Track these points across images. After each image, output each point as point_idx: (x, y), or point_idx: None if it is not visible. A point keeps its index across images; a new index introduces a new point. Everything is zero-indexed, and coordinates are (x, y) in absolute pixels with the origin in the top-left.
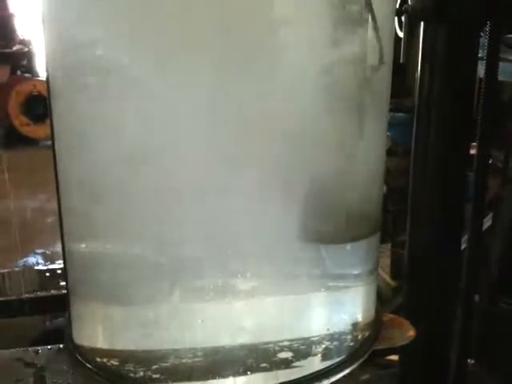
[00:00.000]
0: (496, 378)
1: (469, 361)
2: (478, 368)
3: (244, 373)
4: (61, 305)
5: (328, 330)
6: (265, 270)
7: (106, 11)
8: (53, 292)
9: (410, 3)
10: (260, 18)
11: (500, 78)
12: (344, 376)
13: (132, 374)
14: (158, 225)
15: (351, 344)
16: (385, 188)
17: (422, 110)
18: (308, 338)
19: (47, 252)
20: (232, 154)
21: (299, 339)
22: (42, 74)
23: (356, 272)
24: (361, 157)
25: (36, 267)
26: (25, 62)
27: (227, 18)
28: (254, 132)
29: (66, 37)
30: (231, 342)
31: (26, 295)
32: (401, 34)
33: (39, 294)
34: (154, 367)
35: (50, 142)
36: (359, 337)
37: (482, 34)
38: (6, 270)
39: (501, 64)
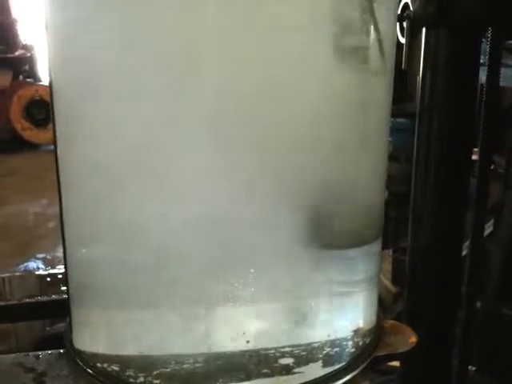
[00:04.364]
0: None
1: (470, 367)
2: (480, 375)
3: (245, 379)
4: (61, 310)
5: (329, 336)
6: (266, 276)
7: (109, 16)
8: (53, 297)
9: (411, 9)
10: (260, 23)
11: (502, 83)
12: (345, 382)
13: (133, 380)
14: (159, 230)
15: (352, 350)
16: (386, 193)
17: (424, 115)
18: (309, 344)
19: (48, 257)
20: (233, 158)
21: (300, 345)
22: (44, 79)
23: (357, 278)
24: (362, 162)
25: (37, 272)
26: (27, 67)
27: (229, 27)
28: (254, 137)
29: (69, 42)
30: (232, 348)
31: (27, 300)
32: (402, 40)
33: (40, 298)
34: (155, 373)
35: (51, 147)
36: (360, 343)
37: (483, 39)
38: (6, 275)
39: (502, 69)
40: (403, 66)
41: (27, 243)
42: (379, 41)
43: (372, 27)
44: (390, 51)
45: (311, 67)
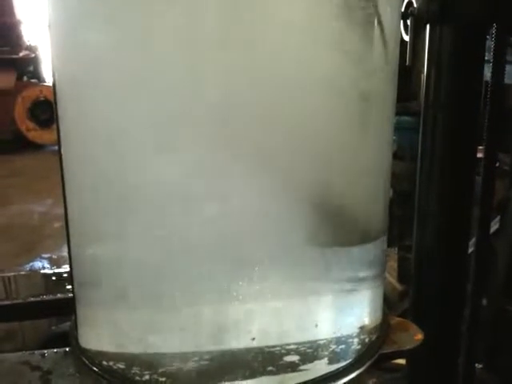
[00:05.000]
0: (504, 382)
1: (476, 365)
2: (486, 372)
3: (250, 376)
4: (67, 308)
5: (335, 333)
6: (271, 273)
7: (112, 16)
8: (59, 295)
9: (415, 6)
10: (264, 18)
11: (506, 81)
12: (351, 379)
13: (138, 378)
14: (163, 229)
15: (358, 347)
16: (391, 192)
17: (429, 113)
18: (315, 342)
19: (53, 256)
20: (238, 157)
21: (306, 342)
22: (49, 80)
23: (363, 275)
24: (367, 160)
25: (42, 271)
26: (31, 68)
27: (231, 25)
28: (258, 135)
29: (72, 42)
30: (237, 346)
31: (32, 299)
32: (406, 38)
33: (45, 297)
34: (161, 370)
35: (56, 147)
36: (366, 340)
37: (488, 36)
38: (12, 274)
39: (507, 67)
40: (407, 62)
41: (33, 243)
42: (383, 35)
43: (376, 21)
44: (394, 47)
45: (314, 63)
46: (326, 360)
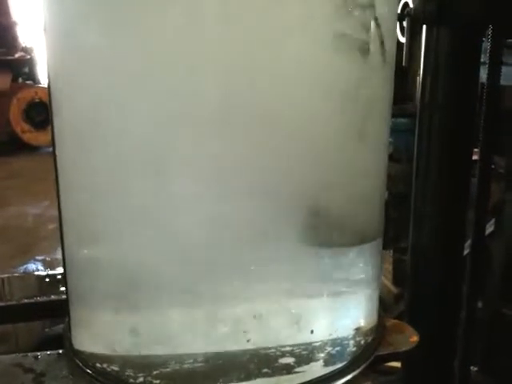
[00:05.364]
0: None
1: (472, 368)
2: (482, 375)
3: (245, 378)
4: (61, 310)
5: (330, 335)
6: (266, 275)
7: (108, 18)
8: (53, 297)
9: (411, 7)
10: (264, 18)
11: (502, 82)
12: (346, 382)
13: (132, 380)
14: (157, 231)
15: (354, 349)
16: (386, 194)
17: (424, 114)
18: (310, 344)
19: (47, 259)
20: (233, 158)
21: (301, 344)
22: (44, 81)
23: (359, 277)
24: (363, 161)
25: (36, 273)
26: (26, 70)
27: (231, 27)
28: (258, 135)
29: (68, 44)
30: (232, 348)
31: (26, 300)
32: (402, 39)
33: (39, 299)
34: (155, 372)
35: (51, 149)
36: (362, 342)
37: (484, 38)
38: (5, 275)
39: (503, 68)
40: (404, 63)
41: (28, 245)
42: (380, 36)
43: (373, 22)
44: (391, 48)
45: (312, 64)
46: (321, 362)
